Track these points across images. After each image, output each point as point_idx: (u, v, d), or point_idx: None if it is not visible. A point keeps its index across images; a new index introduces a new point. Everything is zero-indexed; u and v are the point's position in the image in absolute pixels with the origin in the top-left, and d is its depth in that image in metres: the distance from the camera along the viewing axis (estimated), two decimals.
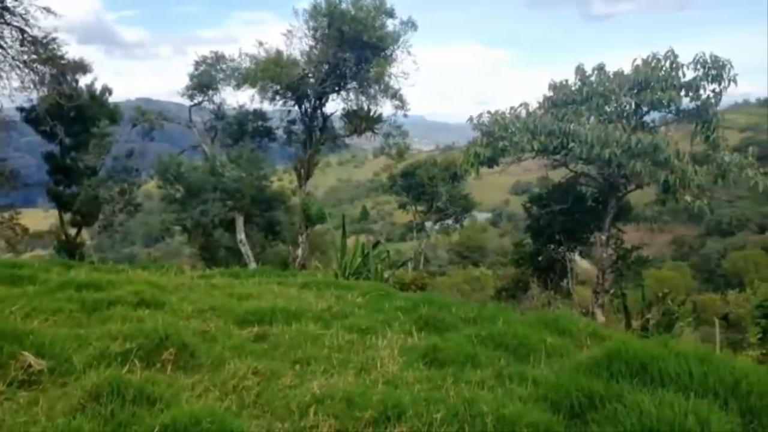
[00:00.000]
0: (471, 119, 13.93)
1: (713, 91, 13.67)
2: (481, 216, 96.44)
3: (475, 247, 66.10)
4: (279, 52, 22.02)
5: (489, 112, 13.83)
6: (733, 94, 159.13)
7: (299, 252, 22.97)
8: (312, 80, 22.39)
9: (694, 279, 63.83)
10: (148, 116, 23.73)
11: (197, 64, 23.38)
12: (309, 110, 23.66)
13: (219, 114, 24.18)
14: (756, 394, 4.68)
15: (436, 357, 6.04)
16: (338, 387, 4.62)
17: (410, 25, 21.44)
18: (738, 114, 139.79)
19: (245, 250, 22.57)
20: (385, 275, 15.78)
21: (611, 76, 14.31)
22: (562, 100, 14.28)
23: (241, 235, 22.54)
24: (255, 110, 24.14)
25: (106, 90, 25.50)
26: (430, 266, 56.85)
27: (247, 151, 22.49)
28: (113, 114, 24.99)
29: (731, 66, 13.44)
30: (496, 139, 13.25)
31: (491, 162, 14.13)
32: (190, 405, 4.16)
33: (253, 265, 20.79)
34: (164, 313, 6.82)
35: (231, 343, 5.93)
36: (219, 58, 23.54)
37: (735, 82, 13.37)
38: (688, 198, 12.63)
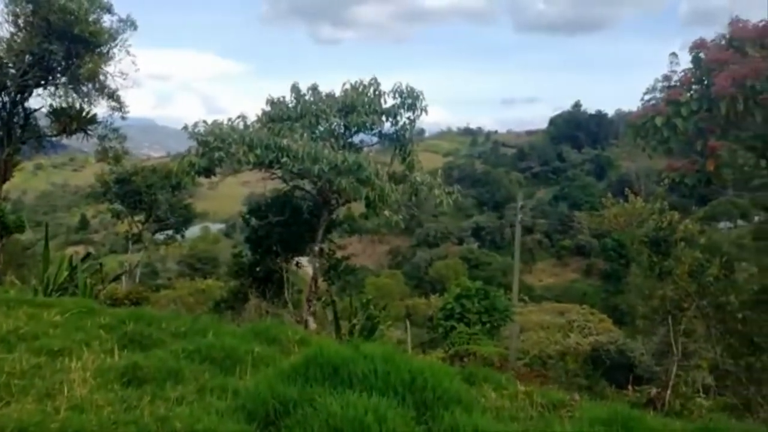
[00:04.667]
0: (186, 128, 13.69)
1: (409, 118, 15.45)
2: (215, 227, 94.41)
3: (207, 259, 64.68)
4: None
5: (205, 121, 13.75)
6: (438, 123, 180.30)
7: None
8: (12, 71, 19.87)
9: (406, 285, 70.53)
10: None
11: None
12: (8, 104, 20.89)
13: None
14: (429, 388, 5.35)
15: (135, 376, 5.80)
16: (12, 417, 4.22)
17: (129, 23, 20.38)
18: (442, 140, 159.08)
19: None
20: (97, 290, 14.65)
21: (324, 97, 15.31)
22: (279, 116, 14.80)
23: None
24: None
25: None
26: (157, 279, 53.86)
27: None
28: None
29: (423, 97, 15.34)
30: (212, 150, 13.20)
31: (208, 172, 14.04)
32: None
33: None
34: None
35: None
36: None
37: (426, 111, 15.33)
38: (387, 213, 14.04)
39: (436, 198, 14.61)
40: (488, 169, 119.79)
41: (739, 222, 69.58)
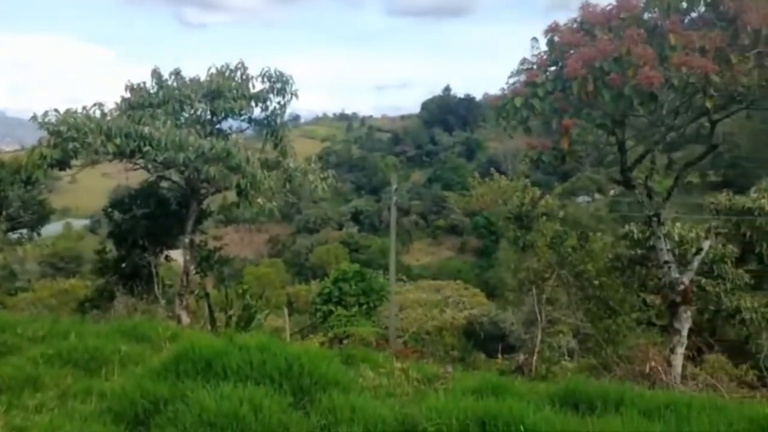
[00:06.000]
0: (35, 118, 12.57)
1: (279, 103, 15.20)
2: (78, 223, 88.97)
3: (71, 257, 60.68)
4: None
5: (57, 110, 12.70)
6: (314, 109, 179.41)
7: None
8: None
9: (287, 273, 70.08)
10: None
11: None
12: None
13: None
14: (306, 373, 5.37)
15: None
16: None
17: None
18: (319, 126, 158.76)
19: None
20: None
21: (188, 82, 14.67)
22: (140, 103, 14.03)
23: None
24: None
25: None
26: (16, 282, 49.60)
27: None
28: None
29: (293, 81, 15.12)
30: (66, 140, 12.25)
31: (62, 164, 13.07)
32: None
33: None
34: None
35: None
36: None
37: (297, 96, 15.13)
38: (260, 201, 13.74)
39: (311, 184, 14.49)
40: (364, 153, 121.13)
41: (597, 196, 75.42)
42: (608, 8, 9.16)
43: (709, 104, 8.65)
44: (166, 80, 14.67)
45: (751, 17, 7.93)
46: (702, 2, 8.69)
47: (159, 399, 4.95)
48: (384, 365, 7.69)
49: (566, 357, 15.10)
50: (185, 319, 13.94)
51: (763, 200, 15.10)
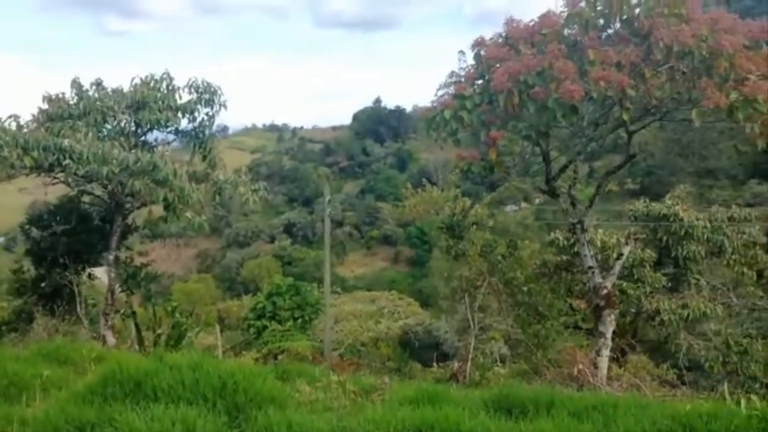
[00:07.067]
0: None
1: (207, 114, 14.90)
2: None
3: None
4: None
5: None
6: (243, 120, 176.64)
7: None
8: None
9: (218, 288, 68.63)
10: None
11: None
12: None
13: None
14: (241, 391, 5.26)
15: None
16: None
17: None
18: (248, 137, 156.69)
19: None
20: None
21: (110, 93, 14.19)
22: (59, 114, 13.44)
23: None
24: None
25: None
26: None
27: None
28: None
29: (221, 92, 14.86)
30: None
31: None
32: None
33: None
34: None
35: None
36: None
37: (225, 107, 14.88)
38: (189, 215, 13.38)
39: (241, 196, 14.26)
40: (296, 165, 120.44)
41: (523, 204, 77.72)
42: (531, 24, 9.50)
43: (625, 116, 9.08)
44: (87, 91, 14.14)
45: (662, 34, 8.38)
46: (617, 19, 9.12)
47: (85, 424, 4.78)
48: (320, 379, 7.65)
49: (499, 363, 15.42)
50: (111, 339, 13.41)
51: (677, 207, 15.89)
